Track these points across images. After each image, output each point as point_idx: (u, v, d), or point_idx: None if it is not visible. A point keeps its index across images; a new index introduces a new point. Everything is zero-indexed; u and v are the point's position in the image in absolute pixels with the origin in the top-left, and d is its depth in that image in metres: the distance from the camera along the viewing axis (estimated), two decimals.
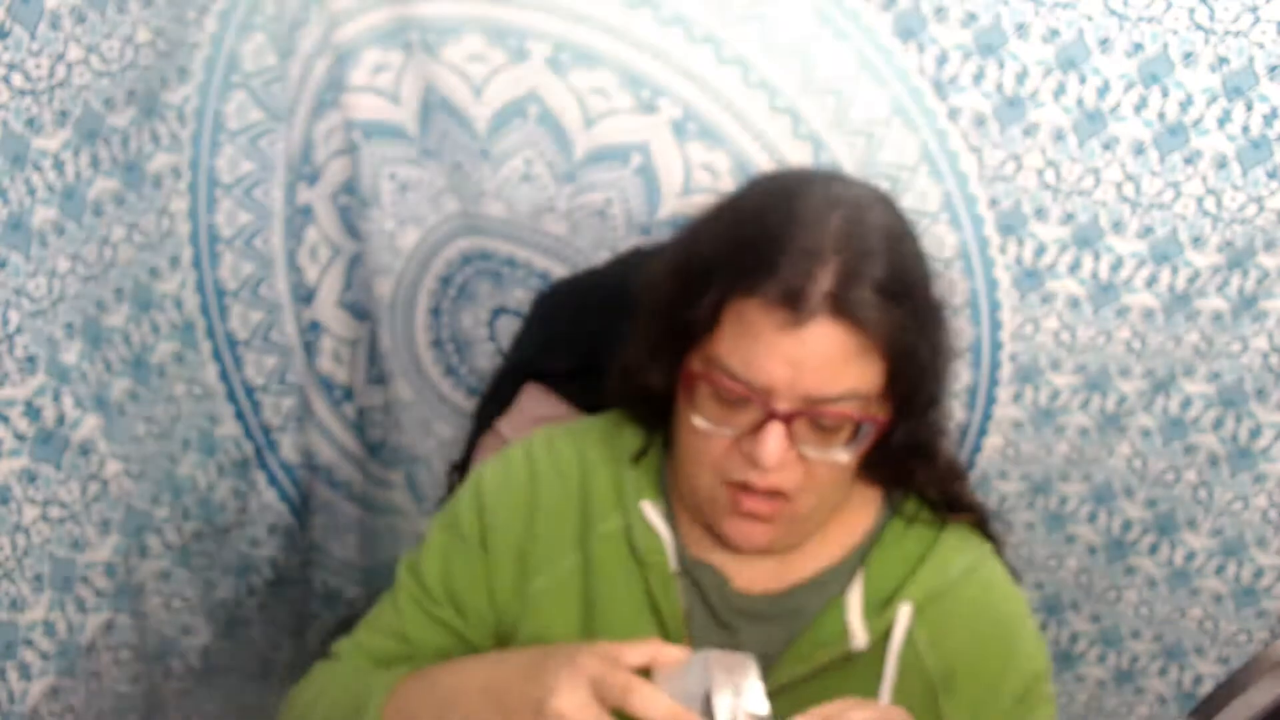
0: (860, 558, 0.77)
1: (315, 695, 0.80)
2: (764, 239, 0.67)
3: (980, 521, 0.80)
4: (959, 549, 0.77)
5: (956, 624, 0.75)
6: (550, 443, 0.82)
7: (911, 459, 0.75)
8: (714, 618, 0.77)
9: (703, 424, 0.69)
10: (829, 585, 0.77)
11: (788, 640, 0.76)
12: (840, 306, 0.65)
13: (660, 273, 0.75)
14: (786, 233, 0.67)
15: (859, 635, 0.73)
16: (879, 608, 0.74)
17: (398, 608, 0.82)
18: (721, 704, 0.62)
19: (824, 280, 0.65)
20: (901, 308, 0.67)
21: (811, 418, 0.67)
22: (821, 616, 0.76)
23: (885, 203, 0.72)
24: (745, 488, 0.69)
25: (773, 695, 0.72)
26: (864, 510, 0.79)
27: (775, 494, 0.70)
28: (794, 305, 0.64)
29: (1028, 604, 0.80)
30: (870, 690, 0.74)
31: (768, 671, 0.73)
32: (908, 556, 0.76)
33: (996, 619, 0.77)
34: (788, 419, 0.66)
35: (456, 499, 0.82)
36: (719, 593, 0.77)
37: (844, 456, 0.69)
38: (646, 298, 0.76)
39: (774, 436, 0.66)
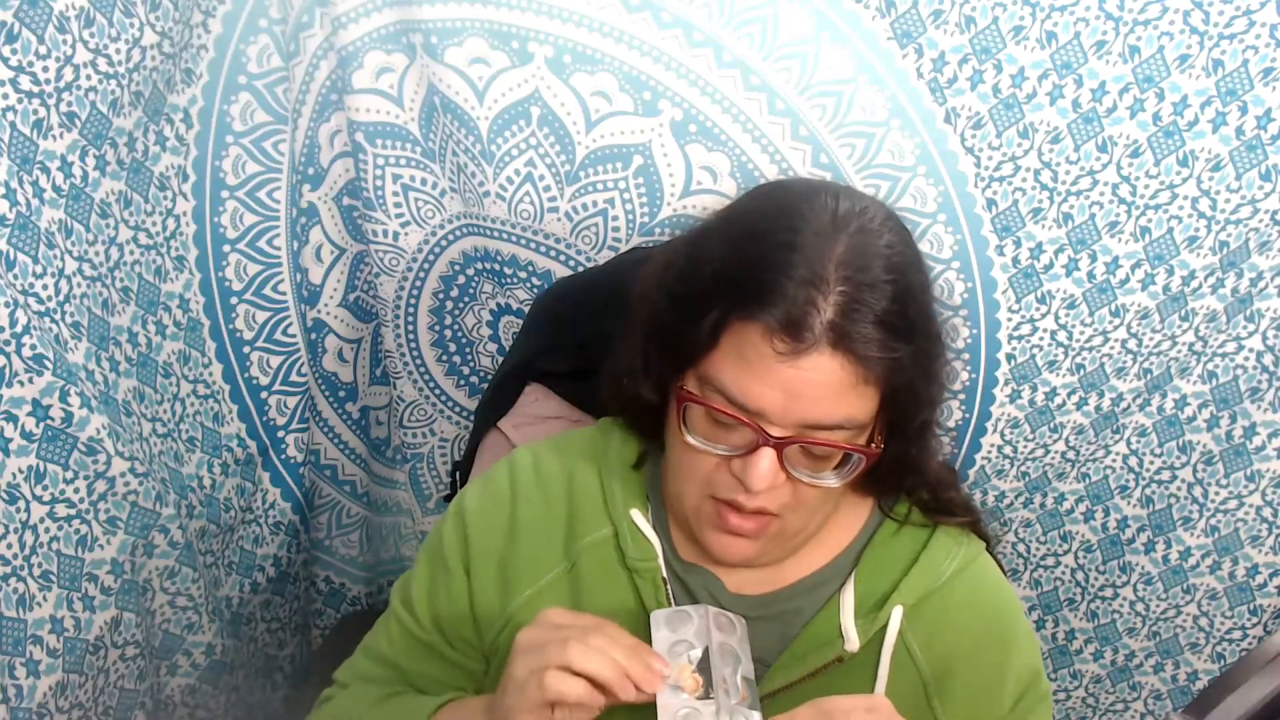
0: (852, 560, 0.78)
1: None
2: (767, 262, 0.66)
3: (973, 524, 0.80)
4: (950, 551, 0.77)
5: (949, 625, 0.76)
6: (534, 458, 0.83)
7: (902, 472, 0.75)
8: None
9: (694, 441, 0.69)
10: (821, 587, 0.77)
11: (780, 642, 0.76)
12: (841, 339, 0.63)
13: (657, 285, 0.74)
14: (790, 257, 0.65)
15: (852, 638, 0.73)
16: (871, 610, 0.75)
17: (390, 637, 0.82)
18: (719, 666, 0.64)
19: (826, 310, 0.63)
20: (901, 341, 0.65)
21: (803, 445, 0.67)
22: (815, 620, 0.76)
23: (892, 225, 0.70)
24: (732, 505, 0.70)
25: (768, 698, 0.73)
26: (856, 513, 0.80)
27: (761, 513, 0.70)
28: (795, 335, 0.63)
29: (1020, 603, 0.81)
30: (863, 692, 0.74)
31: (763, 676, 0.74)
32: (899, 559, 0.77)
33: (990, 619, 0.77)
34: (779, 445, 0.66)
35: (440, 524, 0.83)
36: (711, 595, 0.78)
37: (833, 482, 0.69)
38: (642, 311, 0.75)
39: (765, 461, 0.66)
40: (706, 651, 0.65)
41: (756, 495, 0.68)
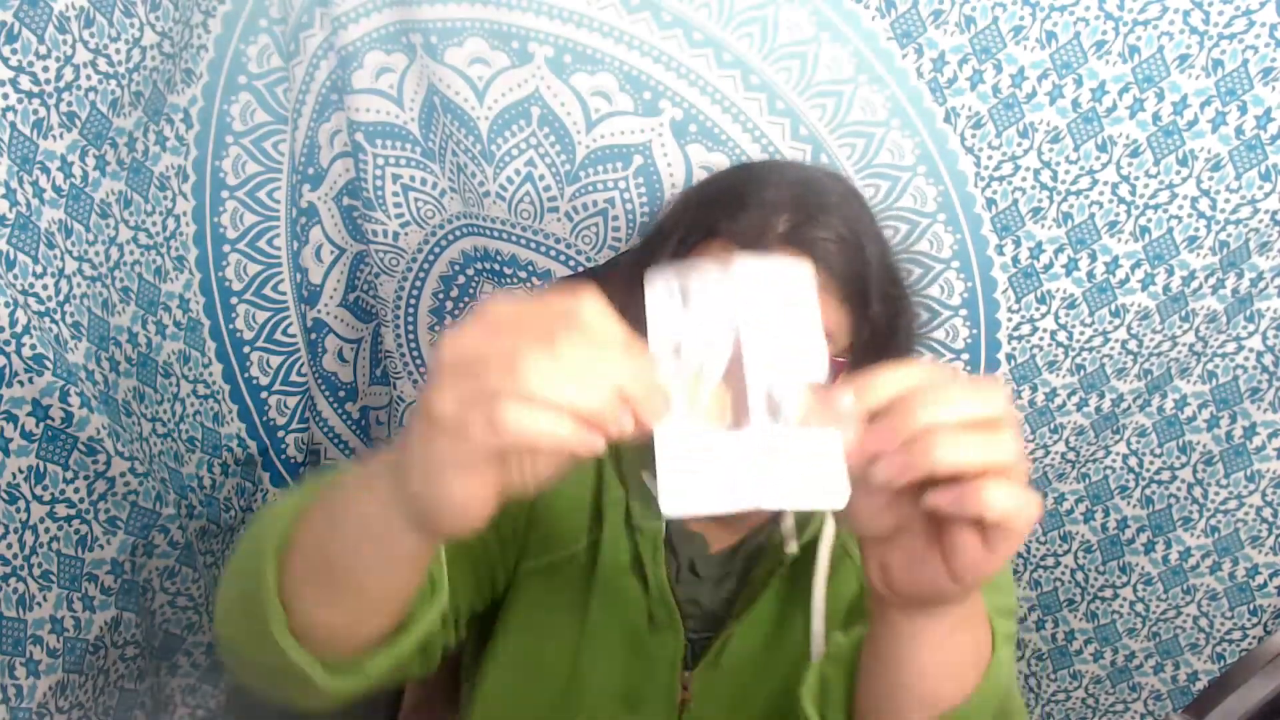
0: None
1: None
2: (724, 195, 0.72)
3: None
4: None
5: None
6: None
7: None
8: (694, 574, 0.83)
9: None
10: (774, 522, 0.82)
11: (743, 580, 0.82)
12: (797, 240, 0.68)
13: (629, 253, 0.80)
14: (746, 189, 0.71)
15: (791, 542, 0.79)
16: (807, 518, 0.80)
17: None
18: (757, 369, 0.43)
19: (781, 224, 0.69)
20: (856, 256, 0.70)
21: None
22: (769, 548, 0.81)
23: (840, 179, 0.77)
24: None
25: (738, 618, 0.78)
26: None
27: None
28: (753, 243, 0.68)
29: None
30: (809, 586, 0.79)
31: (735, 598, 0.81)
32: None
33: None
34: None
35: None
36: (691, 558, 0.83)
37: None
38: (616, 274, 0.82)
39: None
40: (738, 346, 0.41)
41: None
